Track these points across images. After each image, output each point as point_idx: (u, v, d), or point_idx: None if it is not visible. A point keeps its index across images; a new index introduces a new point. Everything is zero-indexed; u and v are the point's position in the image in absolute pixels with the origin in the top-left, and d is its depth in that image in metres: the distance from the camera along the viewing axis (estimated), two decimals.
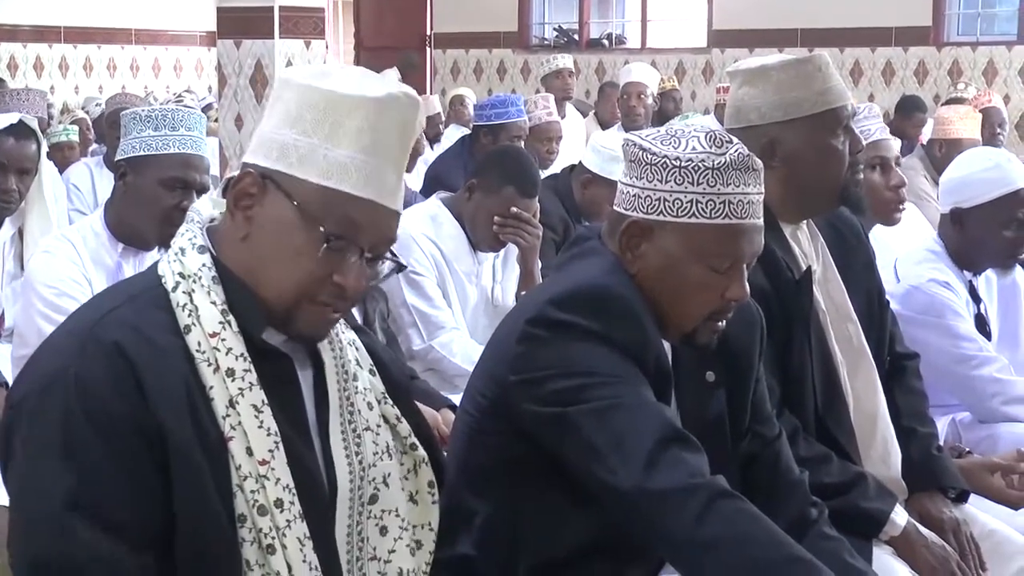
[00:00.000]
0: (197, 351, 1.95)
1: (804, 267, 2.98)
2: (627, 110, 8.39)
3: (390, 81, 2.06)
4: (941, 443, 3.27)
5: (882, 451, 3.05)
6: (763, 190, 2.42)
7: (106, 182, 6.37)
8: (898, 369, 3.26)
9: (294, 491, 1.96)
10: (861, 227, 3.27)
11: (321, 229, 1.94)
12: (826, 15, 11.70)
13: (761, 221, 2.41)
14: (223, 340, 1.96)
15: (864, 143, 3.18)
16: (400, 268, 2.13)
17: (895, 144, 4.12)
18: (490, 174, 4.43)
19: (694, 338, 2.44)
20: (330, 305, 2.00)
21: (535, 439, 2.32)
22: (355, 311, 4.09)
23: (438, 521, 2.20)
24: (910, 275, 3.77)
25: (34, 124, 4.48)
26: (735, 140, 2.41)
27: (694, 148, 2.36)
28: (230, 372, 1.95)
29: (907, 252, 3.88)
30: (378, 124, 1.98)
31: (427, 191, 6.17)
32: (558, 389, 2.28)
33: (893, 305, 3.38)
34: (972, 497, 3.16)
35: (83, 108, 9.87)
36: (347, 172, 1.95)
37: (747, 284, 2.41)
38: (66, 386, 1.89)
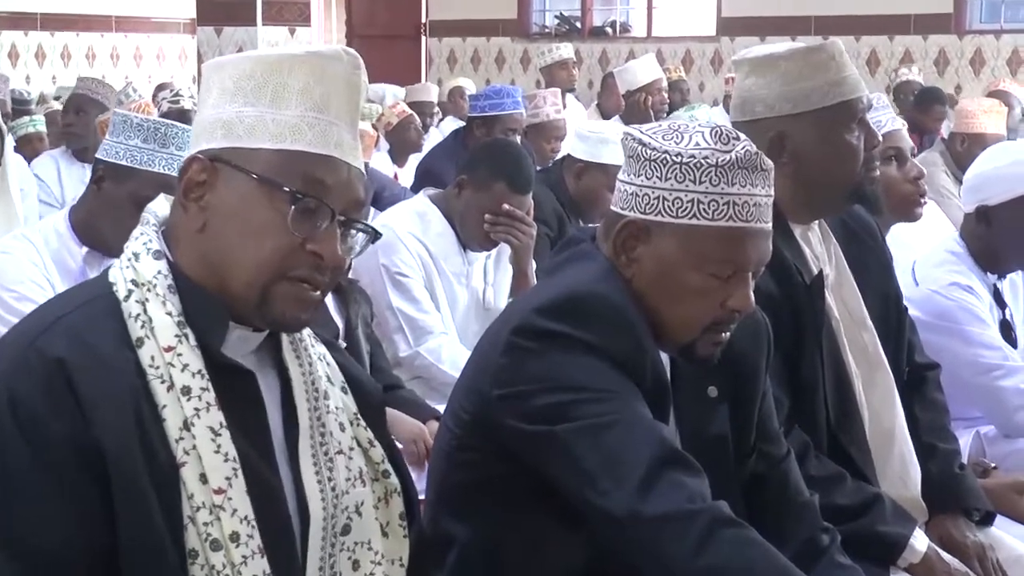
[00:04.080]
0: (150, 366, 1.83)
1: (815, 271, 2.86)
2: (660, 108, 8.03)
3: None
4: (964, 460, 3.18)
5: (900, 469, 2.94)
6: (772, 192, 2.30)
7: (75, 175, 6.19)
8: (917, 380, 3.15)
9: (253, 523, 1.83)
10: (877, 227, 3.16)
11: (286, 189, 1.85)
12: (841, 2, 11.51)
13: (770, 226, 2.29)
14: (179, 355, 1.84)
15: (880, 136, 3.00)
16: (375, 237, 1.99)
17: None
18: (480, 169, 4.31)
19: (693, 351, 2.32)
20: (308, 281, 1.88)
21: (520, 458, 2.21)
22: (336, 316, 3.95)
23: (408, 557, 2.06)
24: (929, 279, 3.64)
25: None
26: (742, 137, 2.29)
27: (697, 144, 2.24)
28: (185, 390, 1.82)
29: (926, 254, 3.77)
30: (323, 79, 1.90)
31: (418, 187, 6.01)
32: (545, 405, 2.17)
33: (911, 311, 3.27)
34: (998, 519, 3.05)
35: (57, 98, 9.65)
36: (300, 131, 1.88)
37: (752, 293, 2.28)
38: (0, 404, 1.77)
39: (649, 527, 2.07)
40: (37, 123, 7.73)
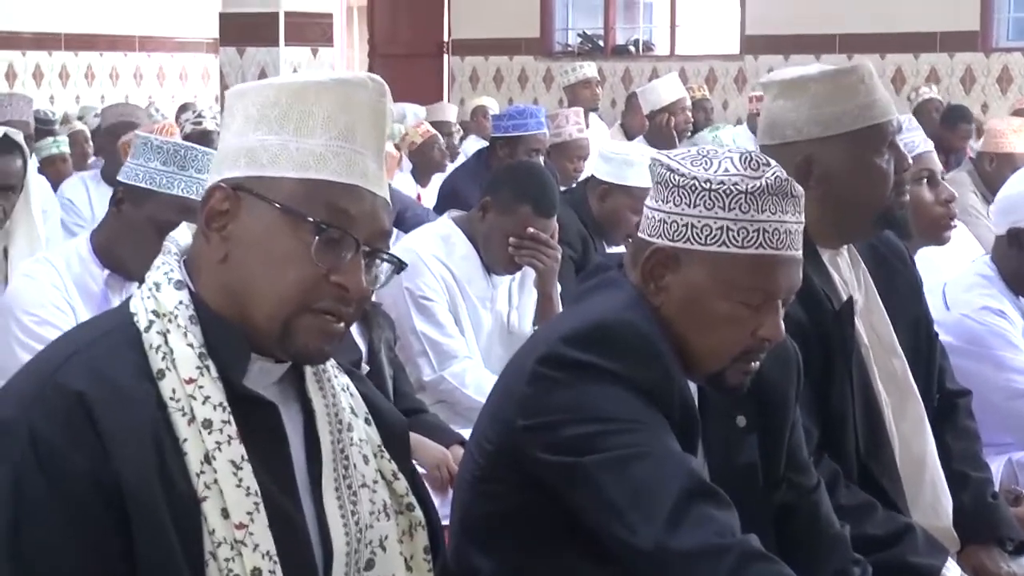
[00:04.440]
0: (171, 399, 1.80)
1: (844, 297, 2.82)
2: (684, 127, 7.96)
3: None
4: (996, 488, 3.15)
5: (931, 499, 2.90)
6: (803, 218, 2.26)
7: (104, 197, 6.16)
8: (948, 408, 3.11)
9: (276, 559, 1.80)
10: (907, 252, 3.12)
11: (310, 220, 1.81)
12: (866, 20, 11.37)
13: (800, 253, 2.25)
14: (200, 387, 1.81)
15: (911, 159, 2.97)
16: (401, 268, 1.96)
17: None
18: (504, 191, 4.27)
19: (723, 380, 2.28)
20: (332, 313, 1.85)
21: (545, 490, 2.17)
22: (359, 340, 3.92)
23: None
24: (960, 303, 3.62)
25: (19, 138, 4.29)
26: (772, 163, 2.25)
27: (727, 170, 2.21)
28: (207, 423, 1.79)
29: (956, 277, 3.73)
30: (349, 107, 1.87)
31: (441, 208, 5.99)
32: (572, 436, 2.13)
33: (942, 336, 3.24)
34: None
35: (80, 118, 9.65)
36: (325, 160, 1.84)
37: (782, 322, 2.25)
38: (20, 437, 1.75)
39: (678, 562, 2.04)
40: (61, 144, 7.71)
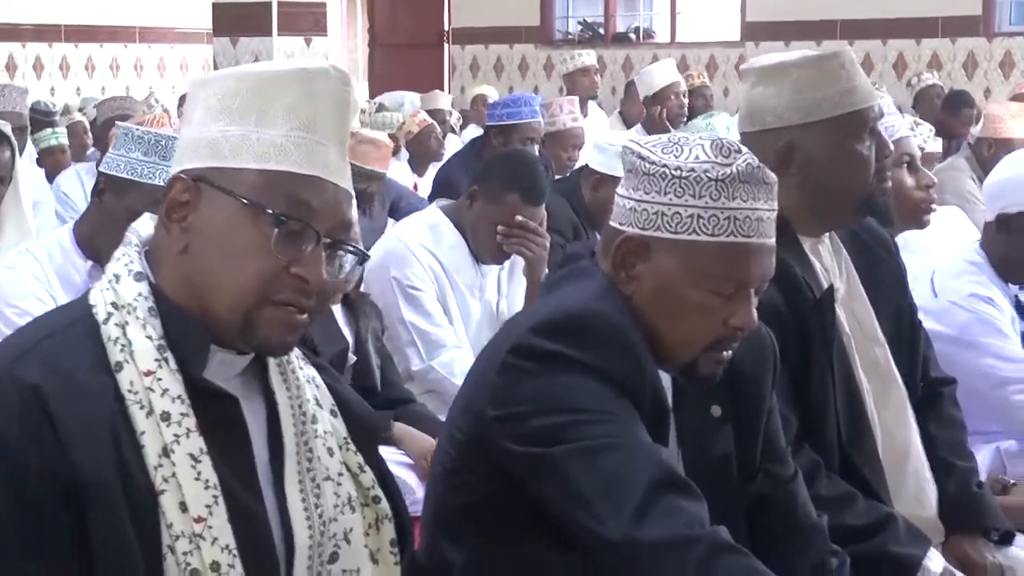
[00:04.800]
0: (129, 391, 1.79)
1: (825, 285, 2.79)
2: (678, 113, 7.91)
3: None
4: (983, 477, 3.13)
5: (915, 488, 2.88)
6: (775, 206, 2.23)
7: None
8: (933, 396, 3.07)
9: (235, 552, 1.79)
10: (891, 239, 3.08)
11: (269, 211, 1.81)
12: (867, 5, 11.29)
13: (772, 241, 2.22)
14: (158, 380, 1.80)
15: (892, 145, 2.95)
16: (364, 259, 1.96)
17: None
18: (492, 180, 4.26)
19: (695, 370, 2.26)
20: (293, 305, 1.84)
21: (515, 481, 2.15)
22: (346, 329, 3.90)
23: None
24: (948, 290, 3.58)
25: (7, 129, 4.28)
26: (744, 150, 2.22)
27: (697, 157, 2.18)
28: (165, 416, 1.79)
29: (945, 264, 3.67)
30: (311, 97, 1.86)
31: (436, 196, 5.96)
32: (541, 427, 2.11)
33: (930, 324, 3.24)
34: (1018, 538, 2.96)
35: (80, 110, 9.64)
36: (286, 151, 1.83)
37: (755, 311, 2.22)
38: None
39: (646, 553, 2.01)
40: (60, 136, 7.70)
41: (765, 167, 2.20)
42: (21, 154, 5.99)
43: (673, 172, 2.16)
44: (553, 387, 2.12)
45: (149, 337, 1.81)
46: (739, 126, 2.89)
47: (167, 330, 1.82)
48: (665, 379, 2.30)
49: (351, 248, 1.91)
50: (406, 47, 13.13)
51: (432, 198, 6.10)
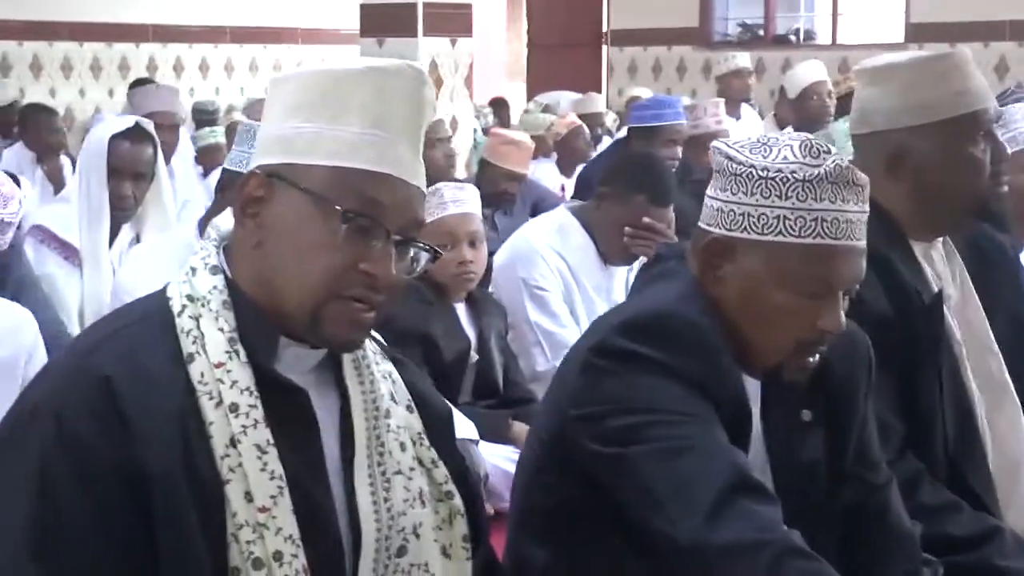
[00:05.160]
0: (199, 383, 1.81)
1: (936, 290, 2.72)
2: (819, 112, 7.78)
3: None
4: None
5: None
6: (866, 208, 2.20)
7: None
8: None
9: (298, 542, 1.81)
10: (1008, 246, 3.01)
11: (337, 208, 1.81)
12: None
13: (862, 244, 2.19)
14: (228, 371, 1.82)
15: (1010, 150, 2.87)
16: (435, 256, 1.95)
17: None
18: (620, 181, 4.27)
19: (781, 374, 2.23)
20: (361, 300, 1.85)
21: (595, 482, 2.16)
22: (469, 328, 3.92)
23: None
24: None
25: (150, 127, 4.39)
26: (833, 151, 2.19)
27: (785, 158, 2.16)
28: (233, 407, 1.80)
29: None
30: (384, 95, 1.86)
31: (579, 198, 5.94)
32: (619, 426, 2.11)
33: None
34: None
35: (243, 110, 9.84)
36: (358, 149, 1.84)
37: (843, 314, 2.19)
38: (46, 420, 1.77)
39: (716, 556, 2.00)
40: (218, 134, 7.87)
41: (855, 168, 2.17)
42: (173, 153, 6.16)
43: (760, 172, 2.14)
44: (633, 387, 2.12)
45: (221, 329, 1.83)
46: (850, 128, 2.85)
47: (240, 323, 1.84)
48: (755, 383, 2.27)
49: (422, 245, 1.91)
50: (564, 47, 13.10)
51: (576, 199, 6.12)
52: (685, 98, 7.34)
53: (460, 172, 7.14)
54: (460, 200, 3.95)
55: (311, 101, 1.85)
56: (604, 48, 13.30)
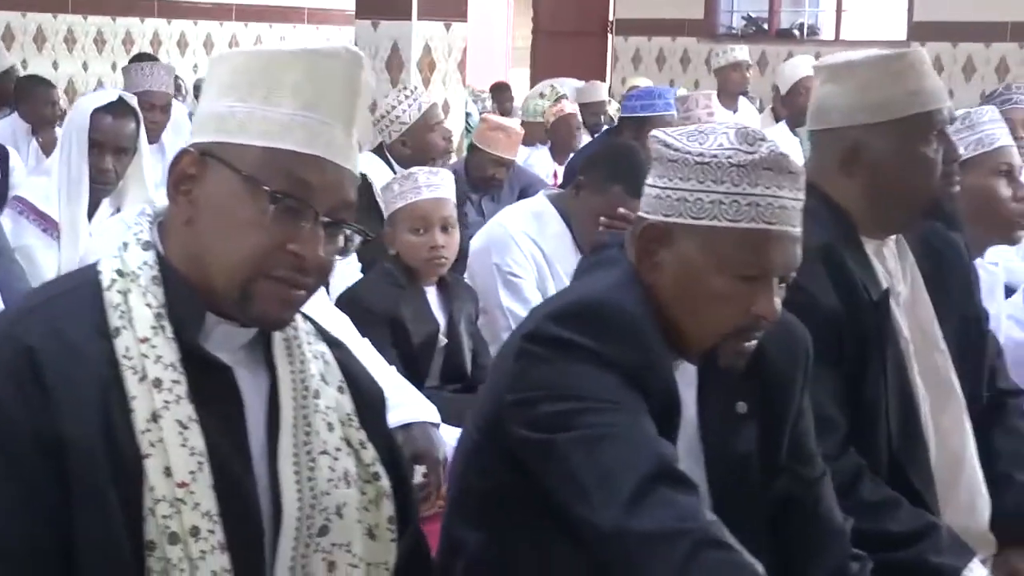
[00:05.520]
0: (124, 356, 1.82)
1: (884, 287, 2.72)
2: (798, 109, 7.81)
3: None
4: None
5: (967, 500, 2.80)
6: (802, 196, 2.21)
7: None
8: (998, 407, 2.97)
9: (216, 518, 1.82)
10: (963, 246, 2.99)
11: (266, 189, 1.83)
12: None
13: (797, 230, 2.20)
14: (153, 347, 1.83)
15: (977, 151, 2.86)
16: (366, 238, 1.97)
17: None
18: (597, 171, 4.26)
19: (716, 359, 2.24)
20: (288, 281, 1.87)
21: (524, 466, 2.16)
22: (439, 312, 3.93)
23: (394, 561, 2.04)
24: None
25: (133, 102, 4.42)
26: (769, 138, 2.20)
27: (720, 144, 2.18)
28: (157, 382, 1.81)
29: None
30: (318, 76, 1.87)
31: (568, 185, 5.94)
32: (548, 413, 2.12)
33: (1017, 333, 3.04)
34: None
35: None
36: (290, 130, 1.85)
37: (778, 301, 2.20)
38: None
39: (634, 544, 2.00)
40: None
41: (790, 156, 2.18)
42: (162, 131, 6.18)
43: (696, 159, 2.16)
44: (563, 375, 2.13)
45: (149, 305, 1.84)
46: (808, 124, 2.86)
47: (169, 299, 1.85)
48: (691, 373, 2.29)
49: (353, 228, 1.92)
50: (569, 35, 13.10)
51: (564, 186, 6.13)
52: (681, 89, 7.33)
53: (453, 156, 7.16)
54: (434, 185, 3.97)
55: (246, 81, 1.87)
56: (609, 37, 13.31)
